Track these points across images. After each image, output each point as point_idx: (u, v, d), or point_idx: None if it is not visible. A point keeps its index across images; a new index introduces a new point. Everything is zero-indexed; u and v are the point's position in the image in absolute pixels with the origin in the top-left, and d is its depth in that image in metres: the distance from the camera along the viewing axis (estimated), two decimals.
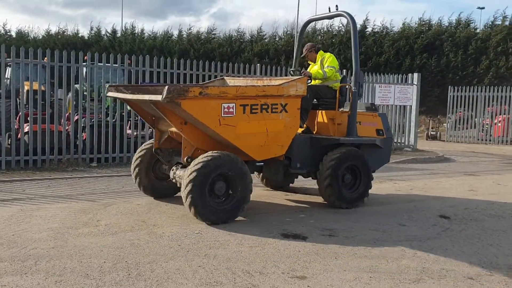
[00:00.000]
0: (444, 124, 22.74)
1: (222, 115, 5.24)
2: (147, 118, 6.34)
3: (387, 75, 14.47)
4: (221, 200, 5.31)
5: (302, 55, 7.22)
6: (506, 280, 3.85)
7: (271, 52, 34.17)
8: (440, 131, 21.69)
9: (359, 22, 35.37)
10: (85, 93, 9.81)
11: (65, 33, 34.58)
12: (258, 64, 11.89)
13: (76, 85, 10.14)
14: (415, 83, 14.52)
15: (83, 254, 4.12)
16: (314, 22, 17.36)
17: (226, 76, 7.67)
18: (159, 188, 6.54)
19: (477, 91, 19.10)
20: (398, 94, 14.21)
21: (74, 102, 10.11)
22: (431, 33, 31.79)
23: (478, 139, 19.22)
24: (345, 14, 6.89)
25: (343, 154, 6.20)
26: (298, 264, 4.05)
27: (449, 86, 20.43)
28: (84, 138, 9.52)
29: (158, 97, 4.93)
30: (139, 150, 6.55)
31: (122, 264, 3.91)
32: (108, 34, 35.19)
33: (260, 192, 7.18)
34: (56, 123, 9.16)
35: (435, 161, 12.45)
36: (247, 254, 4.26)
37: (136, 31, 36.35)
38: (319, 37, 35.57)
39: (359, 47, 7.26)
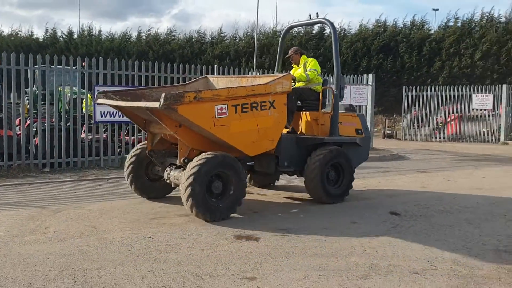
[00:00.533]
0: (400, 123, 23.37)
1: (216, 117, 5.49)
2: (139, 122, 6.48)
3: (343, 76, 14.73)
4: (218, 198, 5.56)
5: (287, 56, 7.52)
6: (450, 274, 3.99)
7: (231, 54, 34.17)
8: (396, 130, 22.28)
9: (317, 24, 35.89)
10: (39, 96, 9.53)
11: (19, 35, 33.49)
12: (215, 66, 11.85)
13: (27, 89, 9.82)
14: (370, 83, 14.85)
15: (27, 263, 3.99)
16: (274, 23, 17.38)
17: (209, 75, 7.90)
18: (151, 188, 6.71)
19: (431, 91, 19.74)
20: (354, 94, 14.49)
21: (28, 106, 9.80)
22: (387, 35, 32.60)
23: (432, 137, 19.85)
24: (325, 21, 7.39)
25: (328, 152, 6.55)
26: (249, 265, 4.06)
27: (404, 86, 21.01)
28: (36, 143, 9.24)
29: (156, 104, 5.15)
30: (132, 151, 6.69)
31: (69, 272, 3.81)
32: (64, 36, 34.33)
33: None
34: (5, 128, 8.84)
35: (390, 159, 12.76)
36: (198, 257, 4.24)
37: (94, 33, 35.59)
38: (279, 39, 35.89)
39: (339, 52, 7.70)
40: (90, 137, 9.90)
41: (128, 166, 6.57)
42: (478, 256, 4.45)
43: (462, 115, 19.46)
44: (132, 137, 10.56)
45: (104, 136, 10.04)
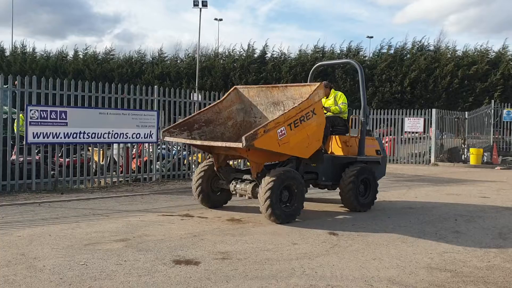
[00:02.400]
0: None
1: (279, 138, 6.62)
2: (204, 148, 7.97)
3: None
4: (285, 205, 6.86)
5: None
6: None
7: (172, 75, 33.95)
8: None
9: (259, 48, 36.57)
10: None
11: None
12: (156, 86, 11.70)
13: None
14: None
15: None
16: (216, 45, 17.59)
17: (238, 86, 8.67)
18: (214, 198, 7.93)
19: None
20: None
21: None
22: (325, 60, 33.74)
23: None
24: (353, 63, 8.91)
25: (360, 169, 7.93)
26: None
27: None
28: None
29: (239, 145, 6.33)
30: (200, 168, 7.89)
31: None
32: None
33: (155, 218, 7.00)
34: None
35: None
36: (135, 284, 4.09)
37: (28, 50, 34.21)
38: (221, 60, 36.15)
39: (365, 88, 9.29)
40: (21, 159, 9.41)
41: (197, 180, 7.76)
42: (411, 274, 4.61)
43: (395, 138, 20.37)
44: (67, 159, 10.16)
45: (37, 158, 9.58)
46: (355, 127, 8.43)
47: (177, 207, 7.91)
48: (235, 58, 35.79)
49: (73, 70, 32.82)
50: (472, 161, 19.92)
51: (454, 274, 4.67)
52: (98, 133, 10.12)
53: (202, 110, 8.10)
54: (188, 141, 7.50)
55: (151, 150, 11.46)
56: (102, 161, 10.63)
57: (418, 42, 35.04)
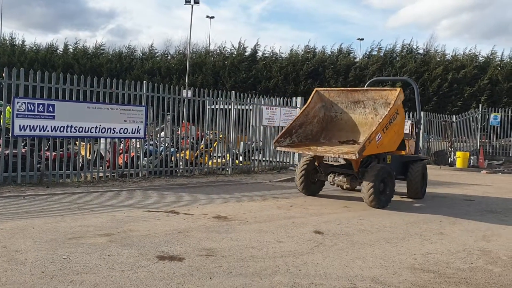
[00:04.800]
0: None
1: (377, 142, 8.16)
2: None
3: (273, 98, 15.02)
4: (382, 194, 8.48)
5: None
6: None
7: (162, 70, 33.80)
8: None
9: (250, 46, 36.54)
10: None
11: None
12: (144, 82, 11.62)
13: None
14: (299, 106, 15.27)
15: None
16: (207, 43, 17.57)
17: (319, 89, 9.94)
18: (311, 188, 9.60)
19: None
20: (284, 116, 14.81)
21: None
22: (316, 60, 33.81)
23: None
24: (409, 80, 11.17)
25: (423, 165, 10.00)
26: (170, 287, 3.95)
27: None
28: None
29: (352, 156, 7.88)
30: (302, 162, 9.52)
31: None
32: None
33: (140, 214, 6.96)
34: None
35: None
36: (118, 279, 4.06)
37: (17, 43, 33.84)
38: (212, 58, 36.06)
39: (420, 102, 11.25)
40: (7, 151, 9.30)
41: (301, 173, 9.42)
42: (395, 274, 4.64)
43: None
44: (54, 153, 10.06)
45: (23, 151, 9.46)
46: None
47: (163, 204, 7.88)
48: (226, 56, 35.74)
49: (63, 64, 32.54)
50: (459, 164, 20.10)
51: (437, 275, 4.71)
52: (85, 127, 10.03)
53: (296, 117, 9.55)
54: (308, 152, 8.89)
55: (138, 145, 11.39)
56: (89, 156, 10.55)
57: (407, 45, 35.28)
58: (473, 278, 4.67)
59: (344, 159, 9.13)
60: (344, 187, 9.68)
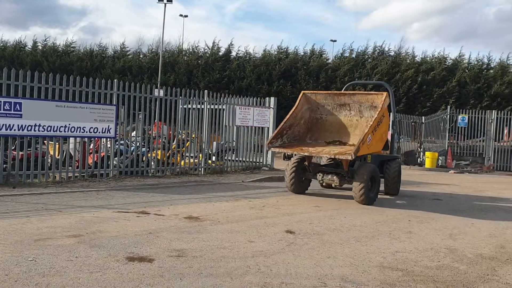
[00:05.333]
0: None
1: (368, 143, 8.77)
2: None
3: (246, 98, 15.00)
4: (370, 191, 9.08)
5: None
6: None
7: (134, 69, 33.35)
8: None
9: (224, 46, 36.45)
10: None
11: None
12: (115, 80, 11.43)
13: None
14: (272, 106, 15.31)
15: None
16: (181, 41, 17.43)
17: (305, 91, 10.46)
18: (300, 186, 10.06)
19: None
20: (257, 116, 14.82)
21: None
22: (288, 61, 33.93)
23: None
24: (384, 84, 11.71)
25: (399, 163, 10.84)
26: None
27: None
28: None
29: (348, 157, 8.48)
30: (292, 162, 9.95)
31: None
32: None
33: (110, 214, 6.85)
34: None
35: None
36: (86, 281, 3.99)
37: None
38: (185, 57, 35.80)
39: (395, 106, 11.94)
40: None
41: (291, 172, 9.86)
42: (364, 273, 4.70)
43: None
44: (21, 152, 9.80)
45: None
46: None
47: (133, 204, 7.77)
48: (200, 55, 35.54)
49: (31, 62, 31.76)
50: (428, 164, 20.54)
51: (405, 273, 4.79)
52: (54, 126, 9.81)
53: (286, 118, 9.89)
54: (302, 152, 9.19)
55: (109, 145, 11.21)
56: (58, 155, 10.32)
57: (379, 47, 35.83)
58: (440, 275, 4.77)
59: (332, 158, 9.82)
60: (333, 185, 10.13)
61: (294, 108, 10.05)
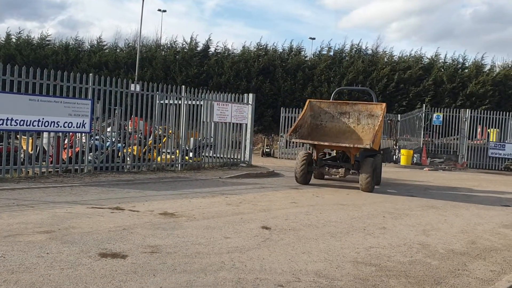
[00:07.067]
0: (278, 142, 24.36)
1: (376, 140, 10.42)
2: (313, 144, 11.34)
3: (225, 94, 14.93)
4: (373, 180, 10.79)
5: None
6: (312, 285, 4.18)
7: (110, 64, 32.87)
8: (274, 149, 23.17)
9: (203, 41, 36.23)
10: None
11: None
12: (91, 74, 11.25)
13: None
14: (250, 102, 15.29)
15: None
16: (158, 36, 17.27)
17: (311, 99, 12.30)
18: (307, 178, 11.50)
19: None
20: (235, 112, 14.79)
21: None
22: (267, 58, 33.87)
23: None
24: (369, 90, 14.04)
25: (380, 157, 12.40)
26: (112, 284, 3.85)
27: (282, 108, 22.01)
28: None
29: (367, 146, 10.30)
30: (302, 156, 11.48)
31: None
32: None
33: (83, 210, 6.75)
34: None
35: (266, 175, 13.19)
36: (56, 278, 3.91)
37: None
38: (163, 52, 35.45)
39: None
40: None
41: (302, 165, 11.25)
42: (338, 268, 4.74)
43: None
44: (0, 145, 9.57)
45: None
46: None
47: (108, 200, 7.67)
48: (177, 51, 35.22)
49: (4, 55, 31.02)
50: (403, 161, 20.85)
51: (378, 268, 4.85)
52: (27, 121, 9.61)
53: (298, 120, 11.59)
54: (322, 142, 10.85)
55: (83, 140, 11.03)
56: (31, 150, 10.11)
57: (356, 45, 36.10)
58: (412, 270, 4.85)
59: (339, 153, 11.92)
60: (338, 177, 11.52)
61: (302, 112, 11.82)
